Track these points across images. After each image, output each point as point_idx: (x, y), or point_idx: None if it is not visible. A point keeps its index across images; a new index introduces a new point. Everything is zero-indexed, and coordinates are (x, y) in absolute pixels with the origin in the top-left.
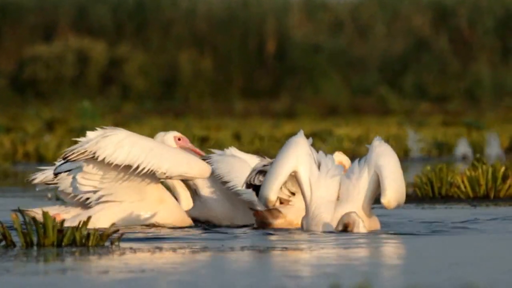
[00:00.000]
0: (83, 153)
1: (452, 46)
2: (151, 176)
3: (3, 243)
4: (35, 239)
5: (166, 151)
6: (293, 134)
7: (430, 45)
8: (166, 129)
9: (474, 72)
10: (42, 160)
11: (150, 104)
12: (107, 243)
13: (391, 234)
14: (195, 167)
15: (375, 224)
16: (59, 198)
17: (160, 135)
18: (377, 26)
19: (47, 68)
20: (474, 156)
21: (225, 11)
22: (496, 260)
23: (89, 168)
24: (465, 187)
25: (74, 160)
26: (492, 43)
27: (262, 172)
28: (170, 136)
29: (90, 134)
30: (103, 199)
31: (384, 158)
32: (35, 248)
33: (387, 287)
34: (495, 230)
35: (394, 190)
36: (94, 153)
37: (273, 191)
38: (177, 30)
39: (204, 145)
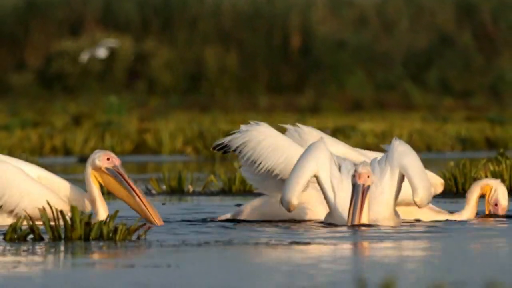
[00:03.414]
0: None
1: (476, 42)
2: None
3: (31, 236)
4: (62, 233)
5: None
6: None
7: (454, 41)
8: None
9: (498, 67)
10: (69, 154)
11: (176, 99)
12: (134, 237)
13: (415, 230)
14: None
15: (399, 221)
16: None
17: (95, 153)
18: (401, 21)
19: (74, 63)
20: (498, 151)
21: (250, 7)
22: None
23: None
24: None
25: None
26: None
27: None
28: (99, 156)
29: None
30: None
31: (408, 157)
32: (62, 241)
33: (412, 283)
34: None
35: (424, 189)
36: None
37: (296, 195)
38: (203, 26)
39: None
